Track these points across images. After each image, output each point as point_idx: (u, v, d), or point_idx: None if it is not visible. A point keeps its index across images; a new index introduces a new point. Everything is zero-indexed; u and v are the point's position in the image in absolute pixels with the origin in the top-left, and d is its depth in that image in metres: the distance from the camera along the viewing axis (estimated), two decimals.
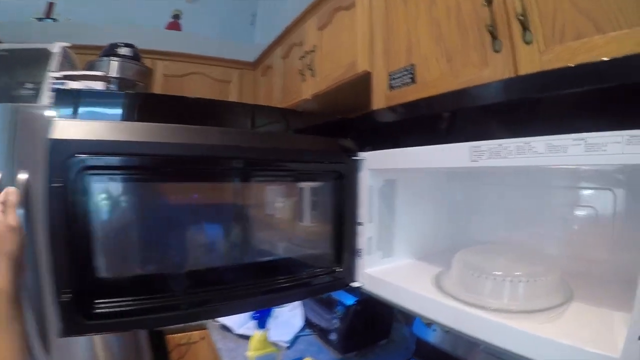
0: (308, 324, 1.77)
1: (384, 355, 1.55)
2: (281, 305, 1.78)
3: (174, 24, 3.17)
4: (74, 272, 0.71)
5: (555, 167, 0.64)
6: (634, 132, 0.53)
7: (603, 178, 0.90)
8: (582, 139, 0.57)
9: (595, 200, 0.92)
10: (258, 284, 0.95)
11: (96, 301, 0.75)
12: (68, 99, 0.76)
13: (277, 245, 1.14)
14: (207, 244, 0.99)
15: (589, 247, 0.93)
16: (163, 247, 0.91)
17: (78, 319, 0.71)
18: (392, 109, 1.07)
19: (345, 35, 1.43)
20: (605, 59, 0.62)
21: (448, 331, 1.15)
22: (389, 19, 1.19)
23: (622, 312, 0.66)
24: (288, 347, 1.61)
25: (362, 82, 1.29)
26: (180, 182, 0.95)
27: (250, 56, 2.69)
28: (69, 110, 0.74)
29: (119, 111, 0.82)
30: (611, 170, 0.86)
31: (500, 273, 0.77)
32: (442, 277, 0.93)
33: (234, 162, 0.93)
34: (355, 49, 1.34)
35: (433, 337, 1.31)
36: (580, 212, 0.96)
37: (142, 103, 0.88)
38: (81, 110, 0.76)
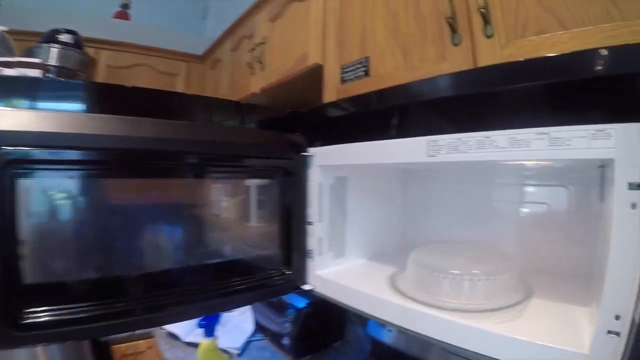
0: (259, 328, 1.68)
1: (338, 357, 1.49)
2: (231, 310, 1.68)
3: (122, 13, 2.98)
4: None
5: (516, 162, 0.61)
6: (600, 126, 0.50)
7: (557, 175, 0.91)
8: (546, 133, 0.54)
9: (550, 197, 0.93)
10: (209, 287, 0.87)
11: (25, 310, 0.65)
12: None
13: (226, 246, 1.05)
14: (152, 245, 0.88)
15: (545, 244, 0.93)
16: (103, 250, 0.81)
17: (4, 330, 0.62)
18: (343, 102, 1.01)
19: (298, 27, 1.35)
20: (568, 52, 0.60)
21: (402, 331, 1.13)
22: (344, 10, 1.14)
23: (583, 307, 0.66)
24: (239, 354, 1.52)
25: (314, 76, 1.22)
26: (120, 179, 0.85)
27: (200, 49, 2.57)
28: None
29: (55, 101, 0.74)
30: (565, 167, 0.86)
31: (458, 272, 0.74)
32: (397, 278, 0.89)
33: (177, 157, 0.84)
34: (307, 41, 1.27)
35: (388, 337, 1.27)
36: (535, 209, 0.97)
37: (78, 92, 0.79)
38: (14, 99, 0.68)
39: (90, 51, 2.13)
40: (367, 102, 0.89)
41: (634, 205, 0.48)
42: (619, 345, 0.48)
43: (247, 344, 1.59)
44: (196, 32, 3.15)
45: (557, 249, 0.90)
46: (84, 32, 2.01)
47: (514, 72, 0.64)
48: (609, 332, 0.49)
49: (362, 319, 1.45)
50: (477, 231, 1.06)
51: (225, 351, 1.49)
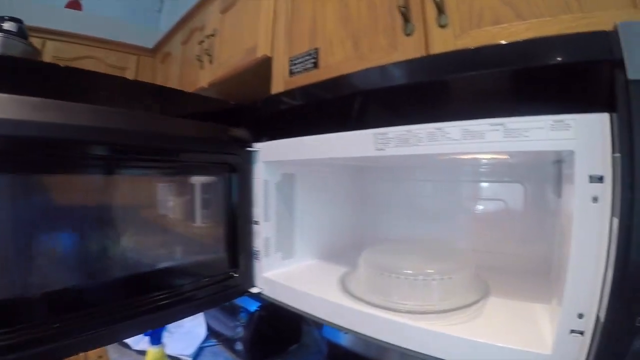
0: (212, 333, 1.58)
1: None
2: (176, 321, 1.56)
3: (75, 3, 2.77)
4: None
5: (471, 157, 0.56)
6: (559, 117, 0.46)
7: (513, 171, 0.89)
8: (501, 124, 0.50)
9: (506, 194, 0.91)
10: (144, 301, 0.74)
11: None
12: None
13: (167, 251, 0.90)
14: (65, 257, 0.70)
15: (502, 241, 0.91)
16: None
17: None
18: (285, 94, 0.92)
19: (248, 17, 1.26)
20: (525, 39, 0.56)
21: None
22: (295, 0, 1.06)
23: (543, 304, 0.64)
24: None
25: (263, 69, 1.13)
26: (22, 174, 0.64)
27: (153, 43, 2.41)
28: None
29: None
30: (521, 163, 0.84)
31: (411, 272, 0.69)
32: (348, 279, 0.83)
33: (98, 149, 0.69)
34: (257, 32, 1.18)
35: (344, 340, 1.21)
36: (492, 206, 0.95)
37: None
38: None
39: (36, 41, 1.95)
40: (312, 93, 0.82)
41: (595, 199, 0.45)
42: (584, 345, 0.46)
43: (200, 350, 1.48)
44: (151, 25, 2.98)
45: (514, 246, 0.89)
46: (32, 21, 1.84)
47: (466, 60, 0.58)
48: (572, 331, 0.46)
49: (320, 322, 1.40)
50: (433, 229, 1.03)
51: (177, 358, 1.38)
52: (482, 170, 0.95)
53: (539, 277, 0.77)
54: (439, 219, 1.03)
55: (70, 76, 0.66)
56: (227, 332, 1.45)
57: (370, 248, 0.84)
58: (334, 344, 1.25)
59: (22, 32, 1.74)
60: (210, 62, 1.48)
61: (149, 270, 0.82)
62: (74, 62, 2.21)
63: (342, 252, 1.08)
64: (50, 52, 2.16)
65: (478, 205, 0.96)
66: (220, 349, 1.49)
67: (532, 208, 0.87)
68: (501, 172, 0.92)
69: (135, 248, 0.83)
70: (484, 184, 0.95)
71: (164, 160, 0.82)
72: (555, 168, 0.77)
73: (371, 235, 1.15)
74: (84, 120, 0.63)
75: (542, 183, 0.84)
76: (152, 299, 0.76)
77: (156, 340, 1.31)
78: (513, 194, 0.89)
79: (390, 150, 0.60)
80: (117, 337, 0.75)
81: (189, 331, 1.58)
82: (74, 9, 2.76)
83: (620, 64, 0.42)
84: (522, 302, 0.67)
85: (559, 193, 0.72)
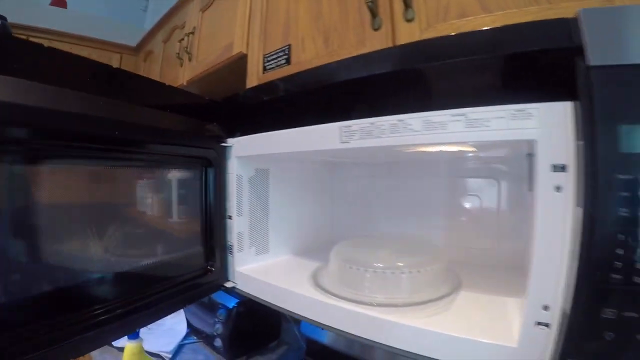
0: (193, 330, 1.53)
1: (275, 357, 1.39)
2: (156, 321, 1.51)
3: (59, 1, 2.69)
4: None
5: (434, 148, 0.54)
6: (521, 106, 0.45)
7: (489, 167, 0.88)
8: (463, 115, 0.48)
9: (482, 190, 0.90)
10: (123, 302, 0.69)
11: None
12: None
13: (142, 250, 0.84)
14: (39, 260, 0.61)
15: (478, 236, 0.90)
16: None
17: None
18: (255, 89, 0.91)
19: (226, 15, 1.22)
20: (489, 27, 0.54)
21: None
22: None
23: (514, 298, 0.63)
24: (171, 358, 1.36)
25: (239, 66, 1.10)
26: None
27: (137, 41, 2.34)
28: None
29: None
30: (496, 158, 0.83)
31: (381, 265, 0.68)
32: (320, 273, 0.82)
33: (72, 137, 0.61)
34: (233, 30, 1.15)
35: (322, 336, 1.19)
36: (468, 202, 0.93)
37: None
38: None
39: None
40: (279, 87, 0.80)
41: (558, 188, 0.43)
42: (549, 337, 0.44)
43: (180, 347, 1.44)
44: (136, 24, 2.91)
45: (490, 241, 0.88)
46: (16, 18, 1.74)
47: (427, 50, 0.57)
48: (538, 323, 0.45)
49: (296, 318, 1.37)
50: (409, 224, 1.02)
51: (157, 355, 1.34)
52: (459, 166, 0.93)
53: (514, 272, 0.75)
54: (416, 215, 1.01)
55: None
56: (206, 329, 1.42)
57: (342, 242, 0.82)
58: (313, 341, 1.23)
59: (6, 29, 1.69)
60: (190, 59, 1.44)
61: (128, 269, 0.77)
62: None
63: (318, 248, 1.06)
64: None
65: (454, 201, 0.95)
66: (200, 346, 1.45)
67: (507, 203, 0.85)
68: (477, 168, 0.90)
69: (114, 247, 0.77)
70: (461, 180, 0.93)
71: (137, 152, 0.77)
72: (528, 161, 0.76)
73: (348, 231, 1.13)
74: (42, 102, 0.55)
75: (516, 178, 0.83)
76: (133, 299, 0.72)
77: (133, 335, 1.27)
78: (489, 190, 0.87)
79: (355, 143, 0.59)
80: (100, 343, 0.66)
81: (169, 328, 1.54)
82: (59, 6, 2.67)
83: (580, 50, 0.40)
84: (494, 296, 0.66)
85: (530, 185, 0.70)
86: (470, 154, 0.80)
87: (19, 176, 0.59)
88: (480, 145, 0.59)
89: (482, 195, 0.89)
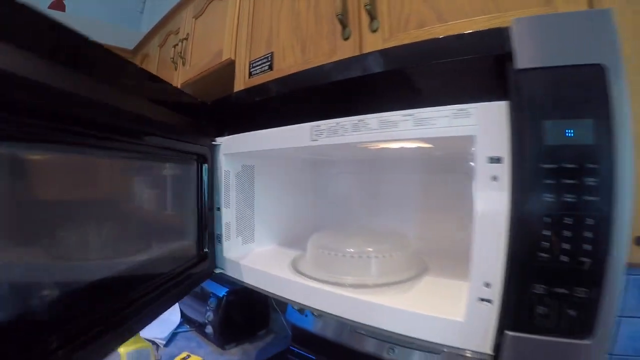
0: (186, 320, 1.58)
1: (263, 345, 1.42)
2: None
3: (58, 4, 2.69)
4: None
5: (392, 144, 0.59)
6: (462, 106, 0.49)
7: (459, 165, 0.89)
8: (411, 115, 0.53)
9: (450, 185, 0.92)
10: (126, 303, 0.60)
11: None
12: None
13: (141, 246, 0.76)
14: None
15: (448, 228, 0.92)
16: None
17: None
18: (240, 93, 0.96)
19: (216, 24, 1.27)
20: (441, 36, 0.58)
21: (319, 315, 1.12)
22: (256, 9, 1.10)
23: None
24: (165, 345, 1.40)
25: (228, 71, 1.16)
26: None
27: (133, 44, 2.36)
28: None
29: None
30: (453, 154, 0.84)
31: (352, 250, 0.73)
32: (299, 259, 0.87)
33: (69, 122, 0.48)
34: (223, 37, 1.20)
35: (306, 323, 1.22)
36: (437, 196, 0.96)
37: None
38: None
39: None
40: (263, 91, 0.84)
41: (494, 178, 0.47)
42: (492, 312, 0.47)
43: (174, 335, 1.48)
44: (133, 27, 2.91)
45: (459, 233, 0.87)
46: None
47: (384, 59, 0.60)
48: (481, 299, 0.48)
49: (281, 306, 1.41)
50: (387, 217, 1.05)
51: (151, 341, 1.36)
52: (432, 163, 0.96)
53: None
54: (393, 208, 1.04)
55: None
56: (199, 318, 1.45)
57: (318, 232, 0.86)
58: (298, 327, 1.26)
59: None
60: (183, 64, 1.49)
61: (128, 267, 0.67)
62: None
63: (301, 239, 1.08)
64: None
65: (428, 196, 0.98)
66: (193, 334, 1.49)
67: (469, 196, 0.87)
68: (449, 164, 0.92)
69: (113, 244, 0.67)
70: (434, 176, 0.96)
71: (134, 143, 0.69)
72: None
73: (329, 224, 1.16)
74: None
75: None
76: (136, 298, 0.64)
77: None
78: (455, 185, 0.90)
79: (323, 140, 0.63)
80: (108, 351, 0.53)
81: (164, 318, 1.56)
82: (58, 9, 2.66)
83: (509, 56, 0.45)
84: (455, 280, 0.70)
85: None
86: (439, 153, 0.83)
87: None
88: (432, 142, 0.62)
89: (450, 190, 0.92)
